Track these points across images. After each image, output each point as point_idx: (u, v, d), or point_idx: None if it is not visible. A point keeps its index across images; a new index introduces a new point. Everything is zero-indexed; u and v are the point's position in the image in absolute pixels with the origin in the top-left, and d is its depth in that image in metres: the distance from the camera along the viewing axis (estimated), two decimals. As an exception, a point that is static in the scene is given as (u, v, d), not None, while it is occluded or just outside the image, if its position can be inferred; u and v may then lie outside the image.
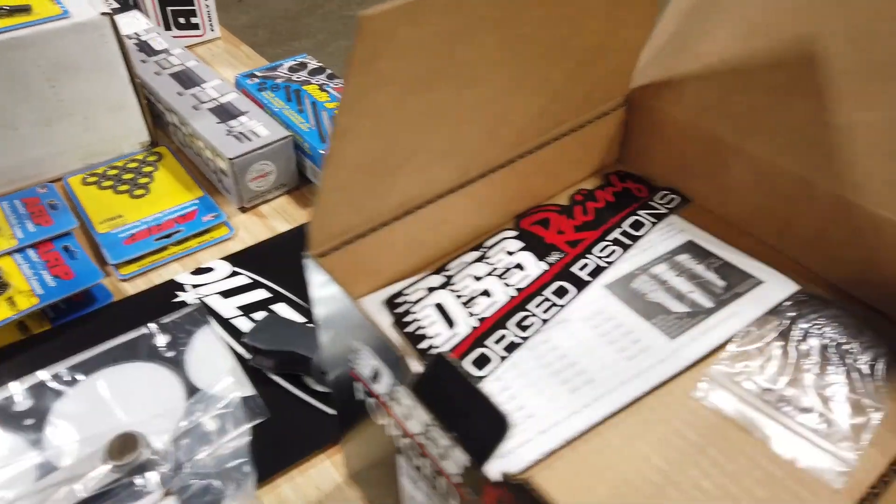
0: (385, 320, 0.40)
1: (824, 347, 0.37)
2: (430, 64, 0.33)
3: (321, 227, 0.36)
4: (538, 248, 0.45)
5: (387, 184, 0.37)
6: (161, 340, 0.62)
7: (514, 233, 0.46)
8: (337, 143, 0.32)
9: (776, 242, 0.44)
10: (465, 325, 0.40)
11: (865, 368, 0.36)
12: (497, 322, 0.40)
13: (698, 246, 0.44)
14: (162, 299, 0.67)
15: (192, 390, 0.58)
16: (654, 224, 0.47)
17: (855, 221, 0.39)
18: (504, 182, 0.44)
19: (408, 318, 0.40)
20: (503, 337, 0.39)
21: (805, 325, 0.38)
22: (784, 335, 0.38)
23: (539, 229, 0.46)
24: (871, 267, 0.40)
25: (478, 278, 0.43)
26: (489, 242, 0.45)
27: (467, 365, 0.37)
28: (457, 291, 0.42)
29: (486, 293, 0.42)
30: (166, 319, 0.64)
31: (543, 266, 0.43)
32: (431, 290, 0.42)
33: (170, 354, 0.61)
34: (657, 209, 0.48)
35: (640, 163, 0.51)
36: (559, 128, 0.45)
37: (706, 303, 0.40)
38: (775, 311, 0.40)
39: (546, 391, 0.36)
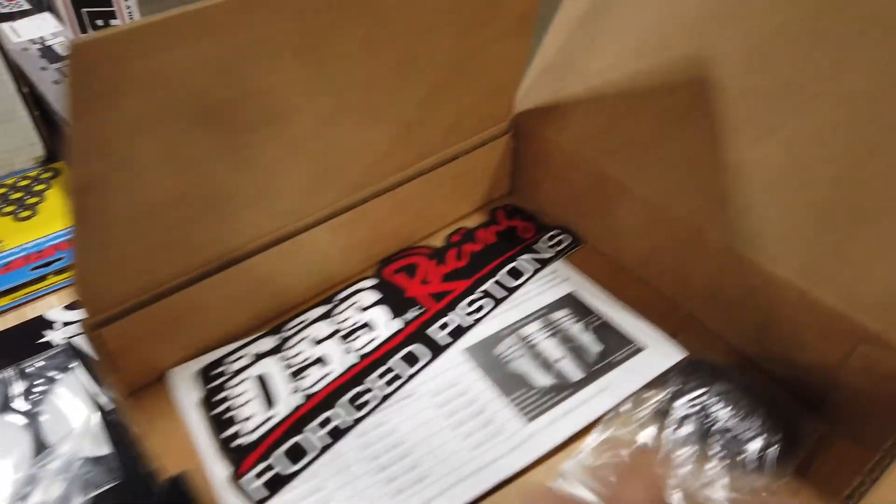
0: (193, 397, 0.33)
1: (705, 433, 0.31)
2: (209, 97, 0.26)
3: (93, 292, 0.30)
4: (396, 302, 0.38)
5: (181, 237, 0.31)
6: (17, 389, 0.55)
7: (372, 282, 0.40)
8: (82, 199, 0.26)
9: (672, 293, 0.38)
10: (286, 403, 0.33)
11: (753, 458, 0.30)
12: (326, 399, 0.33)
13: (579, 301, 0.38)
14: (26, 339, 0.60)
15: (40, 449, 0.52)
16: (535, 272, 0.40)
17: (749, 278, 0.33)
18: (355, 226, 0.38)
19: (219, 396, 0.33)
20: (328, 420, 0.33)
21: (686, 405, 0.32)
22: (660, 416, 0.32)
23: (402, 279, 0.40)
24: (768, 331, 0.34)
25: (317, 341, 0.36)
26: (343, 294, 0.39)
27: (278, 457, 0.31)
28: (288, 359, 0.35)
29: (321, 360, 0.35)
30: (28, 364, 0.57)
31: (397, 325, 0.37)
32: (259, 356, 0.35)
33: (24, 406, 0.54)
34: (541, 254, 0.42)
35: (532, 196, 0.45)
36: (423, 162, 0.39)
37: (575, 374, 0.34)
38: (654, 385, 0.33)
39: (366, 493, 0.30)
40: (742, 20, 0.34)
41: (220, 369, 0.34)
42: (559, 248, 0.42)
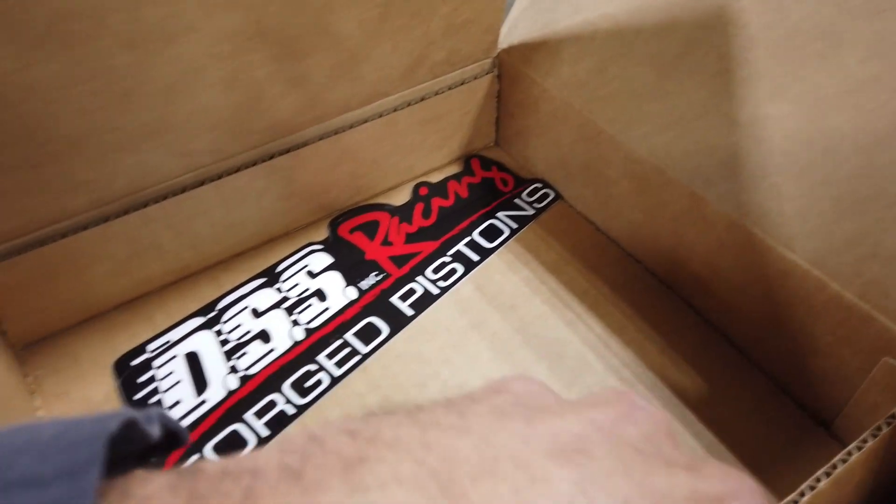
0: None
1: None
2: (61, 6, 0.21)
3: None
4: (352, 266, 0.33)
5: (52, 176, 0.25)
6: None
7: (324, 240, 0.34)
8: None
9: (665, 275, 0.32)
10: (220, 387, 0.28)
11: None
12: (266, 382, 0.29)
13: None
14: None
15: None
16: (514, 231, 0.35)
17: (756, 261, 0.27)
18: (296, 171, 0.32)
19: (143, 377, 0.29)
20: (271, 405, 0.28)
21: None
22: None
23: (360, 238, 0.34)
24: (776, 328, 0.28)
25: (258, 313, 0.31)
26: (290, 259, 0.34)
27: (209, 451, 0.26)
28: (224, 334, 0.30)
29: (263, 336, 0.30)
30: None
31: (352, 294, 0.32)
32: (190, 332, 0.30)
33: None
34: (523, 210, 0.36)
35: (518, 149, 0.39)
36: (377, 102, 0.33)
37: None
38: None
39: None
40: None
41: (141, 358, 0.30)
42: (540, 206, 0.36)
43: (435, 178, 0.38)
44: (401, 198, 0.37)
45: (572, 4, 0.33)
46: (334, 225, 0.35)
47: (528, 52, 0.35)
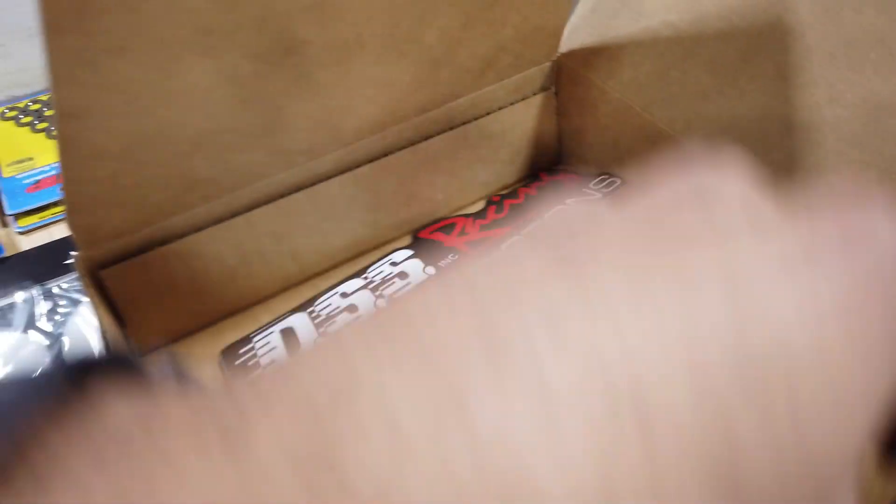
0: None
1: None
2: (205, 19, 0.24)
3: (87, 227, 0.28)
4: (431, 254, 0.36)
5: (176, 172, 0.28)
6: (42, 309, 0.55)
7: (406, 243, 0.37)
8: (68, 126, 0.24)
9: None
10: (310, 345, 0.31)
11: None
12: None
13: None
14: (53, 259, 0.60)
15: (62, 370, 0.52)
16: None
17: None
18: (382, 180, 0.35)
19: (243, 348, 0.32)
20: None
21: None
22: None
23: (438, 235, 0.37)
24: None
25: (346, 295, 0.34)
26: (375, 261, 0.36)
27: None
28: (316, 313, 0.34)
29: (350, 308, 0.33)
30: (53, 284, 0.57)
31: (432, 271, 0.35)
32: (287, 317, 0.34)
33: (47, 327, 0.54)
34: (592, 195, 0.39)
35: (575, 148, 0.41)
36: (452, 103, 0.35)
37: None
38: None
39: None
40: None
41: (245, 347, 0.33)
42: (609, 189, 0.38)
43: (506, 192, 0.41)
44: (475, 208, 0.40)
45: (633, 12, 0.35)
46: (415, 232, 0.38)
47: (589, 56, 0.37)
